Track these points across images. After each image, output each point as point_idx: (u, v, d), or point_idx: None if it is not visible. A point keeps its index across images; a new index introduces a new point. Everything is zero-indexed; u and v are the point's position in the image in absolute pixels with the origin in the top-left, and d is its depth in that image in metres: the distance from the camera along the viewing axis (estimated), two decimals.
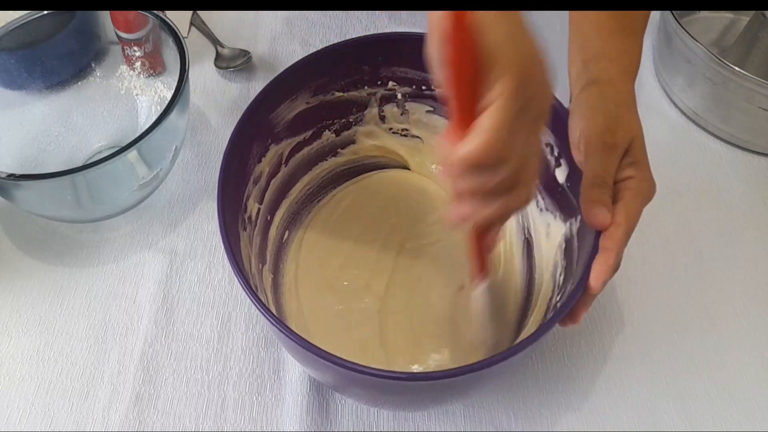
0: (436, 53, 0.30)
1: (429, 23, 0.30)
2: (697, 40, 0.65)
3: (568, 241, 0.50)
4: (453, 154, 0.31)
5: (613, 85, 0.47)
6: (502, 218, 0.37)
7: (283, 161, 0.56)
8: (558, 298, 0.48)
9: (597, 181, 0.44)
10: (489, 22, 0.29)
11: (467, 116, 0.30)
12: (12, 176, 0.51)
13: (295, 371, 0.53)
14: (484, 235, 0.42)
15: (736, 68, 0.63)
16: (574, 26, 0.54)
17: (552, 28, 0.79)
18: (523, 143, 0.32)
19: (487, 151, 0.30)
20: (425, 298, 0.55)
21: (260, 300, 0.41)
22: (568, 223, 0.51)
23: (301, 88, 0.53)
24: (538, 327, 0.40)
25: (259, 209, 0.53)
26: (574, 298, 0.42)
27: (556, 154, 0.52)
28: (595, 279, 0.41)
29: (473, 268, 0.46)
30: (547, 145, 0.53)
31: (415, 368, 0.51)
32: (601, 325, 0.56)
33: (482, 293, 0.48)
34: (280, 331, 0.39)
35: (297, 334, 0.39)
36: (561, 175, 0.52)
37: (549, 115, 0.34)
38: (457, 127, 0.31)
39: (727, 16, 0.78)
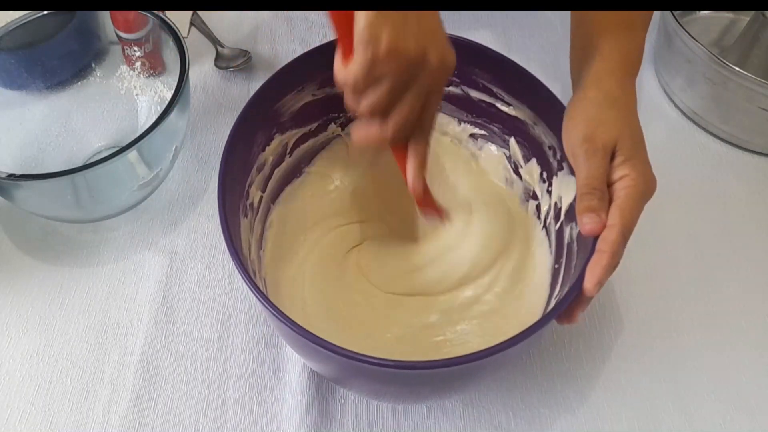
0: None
1: None
2: (697, 40, 0.65)
3: (568, 245, 0.50)
4: (338, 79, 0.42)
5: (598, 85, 0.47)
6: (390, 135, 0.43)
7: (287, 151, 0.56)
8: (554, 302, 0.48)
9: (586, 189, 0.44)
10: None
11: (348, 52, 0.40)
12: (12, 176, 0.51)
13: (295, 371, 0.53)
14: (401, 154, 0.47)
15: (736, 68, 0.63)
16: (573, 27, 0.54)
17: (552, 28, 0.80)
18: (384, 92, 0.40)
19: (352, 79, 0.40)
20: (431, 286, 0.55)
21: (257, 286, 0.41)
22: (568, 227, 0.51)
23: (307, 80, 0.54)
24: (536, 321, 0.41)
25: (261, 197, 0.54)
26: (570, 296, 0.42)
27: (558, 157, 0.52)
28: (588, 281, 0.41)
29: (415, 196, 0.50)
30: (550, 148, 0.53)
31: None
32: (601, 324, 0.56)
33: None
34: (279, 318, 0.39)
35: (296, 323, 0.39)
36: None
37: (426, 70, 0.41)
38: (343, 58, 0.41)
39: (727, 16, 0.78)
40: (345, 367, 0.43)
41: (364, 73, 0.39)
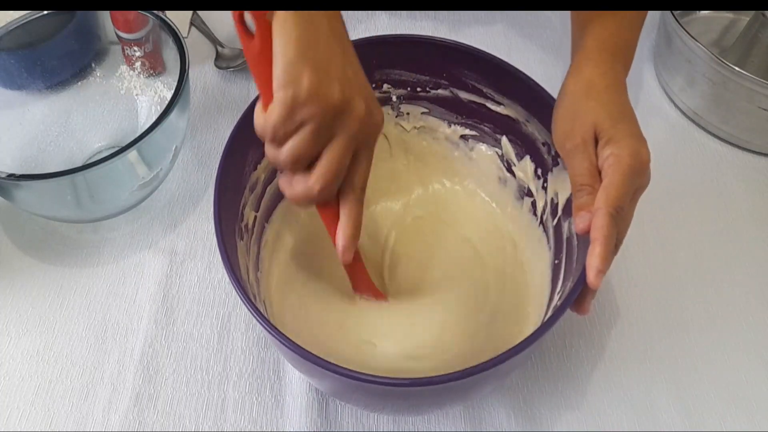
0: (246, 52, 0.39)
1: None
2: (697, 40, 0.65)
3: (567, 239, 0.50)
4: (257, 127, 0.39)
5: (577, 74, 0.47)
6: (317, 191, 0.39)
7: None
8: (557, 297, 0.48)
9: (575, 188, 0.44)
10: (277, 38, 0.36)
11: (267, 96, 0.38)
12: (12, 176, 0.51)
13: (295, 372, 0.53)
14: (328, 217, 0.44)
15: (736, 68, 0.63)
16: (571, 25, 0.54)
17: (552, 27, 0.80)
18: (306, 138, 0.38)
19: (270, 124, 0.37)
20: (420, 294, 0.55)
21: (263, 315, 0.40)
22: (566, 222, 0.51)
23: None
24: (538, 327, 0.40)
25: (255, 217, 0.53)
26: (573, 296, 0.41)
27: (552, 153, 0.52)
28: (588, 274, 0.41)
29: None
30: (544, 144, 0.53)
31: (412, 364, 0.51)
32: (600, 324, 0.56)
33: None
34: (282, 343, 0.39)
35: (299, 346, 0.39)
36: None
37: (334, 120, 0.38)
38: (264, 106, 0.39)
39: (727, 16, 0.78)
40: (344, 385, 0.42)
41: (283, 117, 0.36)
